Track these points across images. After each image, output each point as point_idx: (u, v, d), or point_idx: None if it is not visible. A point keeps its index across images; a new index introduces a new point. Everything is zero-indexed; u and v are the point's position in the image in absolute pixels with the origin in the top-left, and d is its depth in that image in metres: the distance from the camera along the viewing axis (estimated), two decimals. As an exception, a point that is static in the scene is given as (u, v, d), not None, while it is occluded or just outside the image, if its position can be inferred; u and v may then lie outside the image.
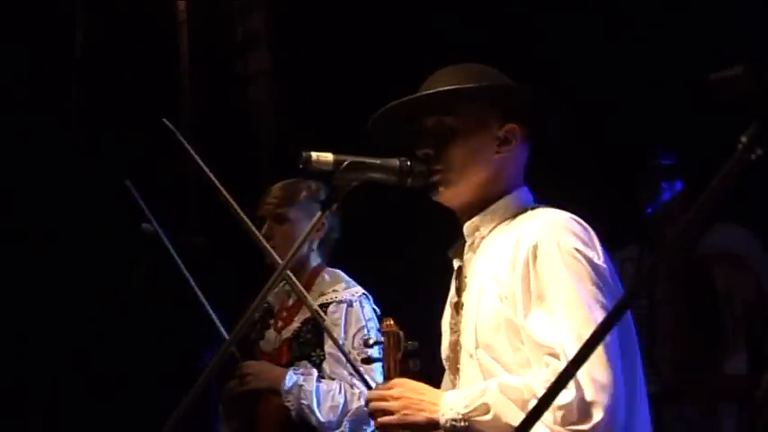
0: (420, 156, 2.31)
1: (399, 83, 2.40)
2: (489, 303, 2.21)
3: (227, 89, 5.20)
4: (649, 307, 3.98)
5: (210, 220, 4.25)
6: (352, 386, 3.38)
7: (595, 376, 2.01)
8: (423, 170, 2.30)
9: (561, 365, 2.01)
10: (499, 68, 2.39)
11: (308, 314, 3.47)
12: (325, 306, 3.47)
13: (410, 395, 2.22)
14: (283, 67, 5.25)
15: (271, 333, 3.60)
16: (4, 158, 4.98)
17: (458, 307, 2.34)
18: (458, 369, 2.31)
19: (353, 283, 3.55)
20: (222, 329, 3.41)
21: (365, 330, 3.42)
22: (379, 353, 2.40)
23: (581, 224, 2.21)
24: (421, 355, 2.32)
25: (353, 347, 3.40)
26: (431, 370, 2.40)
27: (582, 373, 1.99)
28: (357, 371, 3.13)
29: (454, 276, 2.40)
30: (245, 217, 2.95)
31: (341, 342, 3.37)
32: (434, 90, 2.29)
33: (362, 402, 3.32)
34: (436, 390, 2.26)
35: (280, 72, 5.27)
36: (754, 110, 1.34)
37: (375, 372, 3.32)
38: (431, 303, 2.59)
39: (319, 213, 2.25)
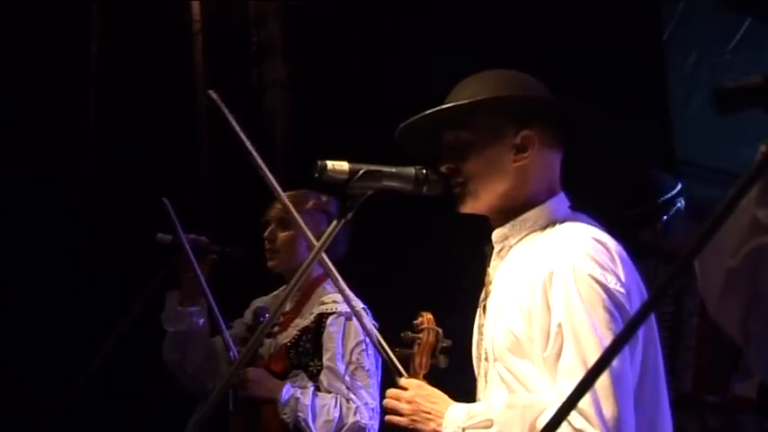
0: (444, 171, 2.31)
1: (413, 92, 2.39)
2: (506, 321, 2.19)
3: (242, 98, 5.20)
4: (674, 313, 3.97)
5: (222, 232, 4.25)
6: (348, 400, 3.36)
7: (602, 410, 1.99)
8: (438, 179, 2.29)
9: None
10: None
11: (307, 322, 3.48)
12: (324, 316, 3.46)
13: (421, 401, 2.26)
14: (298, 76, 5.25)
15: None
16: (22, 170, 4.99)
17: (484, 309, 2.33)
18: (486, 373, 2.29)
19: (354, 296, 3.52)
20: (231, 342, 3.40)
21: (363, 345, 3.40)
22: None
23: (602, 244, 2.16)
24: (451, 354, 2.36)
25: (351, 361, 3.39)
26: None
27: (587, 405, 1.98)
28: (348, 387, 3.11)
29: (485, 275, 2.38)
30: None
31: (338, 354, 3.37)
32: (439, 108, 2.29)
33: (358, 417, 3.33)
34: (447, 399, 2.27)
35: (295, 81, 5.26)
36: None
37: (372, 385, 3.32)
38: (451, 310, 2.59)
39: (335, 222, 2.23)
